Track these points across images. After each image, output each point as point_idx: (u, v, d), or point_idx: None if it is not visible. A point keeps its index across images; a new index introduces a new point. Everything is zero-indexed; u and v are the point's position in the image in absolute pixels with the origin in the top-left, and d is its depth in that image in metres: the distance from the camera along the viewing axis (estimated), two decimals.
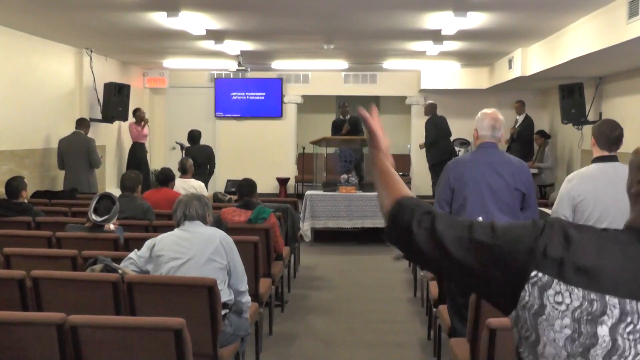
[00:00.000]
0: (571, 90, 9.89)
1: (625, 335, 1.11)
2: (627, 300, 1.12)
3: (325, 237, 9.60)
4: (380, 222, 9.55)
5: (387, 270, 8.13)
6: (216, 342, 3.62)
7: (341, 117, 11.65)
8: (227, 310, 3.86)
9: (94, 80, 10.24)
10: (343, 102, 11.86)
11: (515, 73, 9.90)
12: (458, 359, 3.68)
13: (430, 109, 11.13)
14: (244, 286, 4.00)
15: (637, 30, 5.75)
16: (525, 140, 11.26)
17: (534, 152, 11.17)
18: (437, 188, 4.24)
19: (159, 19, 7.39)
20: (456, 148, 11.55)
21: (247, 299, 4.05)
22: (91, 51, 10.14)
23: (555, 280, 1.16)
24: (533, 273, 1.18)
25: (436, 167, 10.92)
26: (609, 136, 3.74)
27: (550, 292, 1.16)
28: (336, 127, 11.56)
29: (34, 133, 8.97)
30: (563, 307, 1.15)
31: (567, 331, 1.14)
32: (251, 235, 5.08)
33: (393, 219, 1.42)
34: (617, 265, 1.15)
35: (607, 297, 1.12)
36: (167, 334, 2.93)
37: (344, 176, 9.74)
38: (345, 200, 9.39)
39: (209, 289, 3.54)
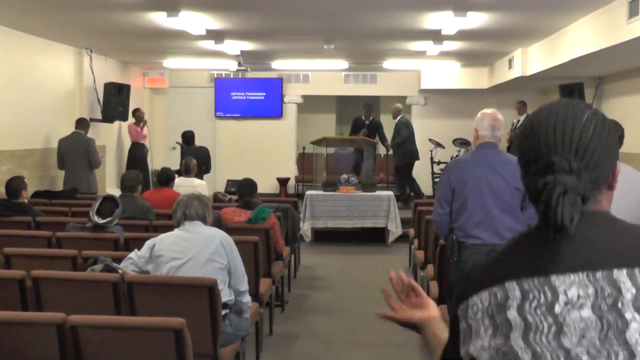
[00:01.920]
0: (571, 90, 9.89)
1: (532, 312, 1.14)
2: (524, 279, 1.15)
3: (325, 237, 9.61)
4: (380, 222, 9.63)
5: (387, 270, 8.07)
6: (216, 342, 3.62)
7: (363, 117, 11.51)
8: (228, 310, 3.86)
9: (94, 80, 10.24)
10: (368, 103, 11.70)
11: (515, 73, 9.90)
12: None
13: (398, 112, 11.32)
14: (244, 286, 4.00)
15: (637, 30, 5.75)
16: None
17: None
18: (437, 188, 4.24)
19: (159, 19, 7.39)
20: (456, 148, 11.56)
21: (247, 299, 4.05)
22: (91, 51, 10.14)
23: (468, 299, 1.22)
24: (458, 312, 1.25)
25: (401, 168, 11.16)
26: None
27: (469, 310, 1.22)
28: (356, 126, 11.50)
29: (33, 133, 8.97)
30: (480, 314, 1.19)
31: (490, 331, 1.17)
32: (251, 236, 5.08)
33: None
34: (508, 253, 1.22)
35: (506, 283, 1.16)
36: (168, 334, 2.93)
37: (344, 176, 9.74)
38: (345, 200, 9.39)
39: (209, 289, 3.54)
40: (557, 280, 1.13)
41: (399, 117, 11.29)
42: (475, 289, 1.21)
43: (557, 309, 1.12)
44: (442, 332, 1.55)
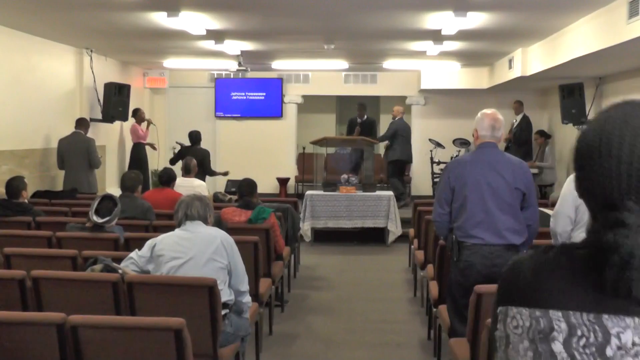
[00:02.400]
0: (571, 90, 9.89)
1: (581, 350, 1.05)
2: (571, 312, 1.06)
3: (325, 237, 9.60)
4: (380, 222, 9.63)
5: (387, 270, 8.13)
6: (216, 342, 3.62)
7: (357, 117, 11.64)
8: (228, 310, 3.87)
9: (94, 80, 10.24)
10: (360, 102, 11.85)
11: (515, 73, 9.90)
12: (458, 359, 3.69)
13: (396, 114, 11.57)
14: (244, 286, 4.00)
15: (637, 30, 5.75)
16: (523, 142, 11.26)
17: (533, 153, 11.16)
18: (437, 188, 4.25)
19: (159, 19, 7.39)
20: (456, 148, 11.56)
21: (247, 299, 4.05)
22: (91, 51, 10.14)
23: (508, 307, 1.14)
24: (497, 311, 1.17)
25: (390, 164, 11.45)
26: None
27: (508, 319, 1.14)
28: (350, 127, 11.73)
29: (33, 133, 8.97)
30: (519, 331, 1.11)
31: (530, 354, 1.09)
32: (251, 235, 5.08)
33: None
34: (557, 278, 1.10)
35: (551, 311, 1.08)
36: (167, 334, 2.93)
37: (344, 176, 9.74)
38: (345, 200, 9.39)
39: (210, 289, 3.54)
40: (610, 322, 1.04)
41: (397, 119, 11.43)
42: (516, 301, 1.13)
43: (609, 352, 1.03)
44: None
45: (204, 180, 9.45)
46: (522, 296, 1.12)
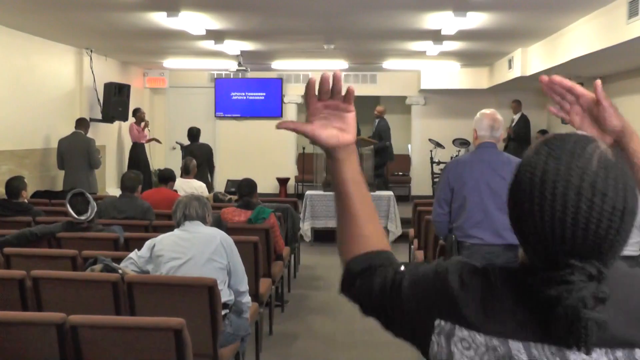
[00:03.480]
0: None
1: None
2: (532, 343, 1.03)
3: (325, 237, 9.59)
4: (380, 222, 9.55)
5: None
6: (216, 342, 3.62)
7: None
8: (227, 310, 3.87)
9: (94, 80, 10.24)
10: None
11: (515, 73, 9.90)
12: None
13: (382, 112, 11.69)
14: (244, 286, 4.00)
15: (637, 30, 5.75)
16: (522, 140, 11.30)
17: None
18: (437, 188, 4.26)
19: (159, 19, 7.39)
20: (456, 148, 11.57)
21: (247, 299, 4.06)
22: (91, 51, 10.14)
23: (457, 327, 1.08)
24: (436, 322, 1.12)
25: (379, 168, 11.46)
26: None
27: (456, 338, 1.08)
28: None
29: (33, 133, 8.97)
30: (471, 353, 1.06)
31: None
32: (251, 235, 5.08)
33: (351, 278, 1.39)
34: (513, 306, 1.06)
35: (510, 342, 1.04)
36: (167, 334, 2.93)
37: None
38: None
39: (209, 289, 3.54)
40: (573, 355, 1.01)
41: (381, 119, 11.67)
42: (466, 324, 1.08)
43: None
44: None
45: (211, 176, 9.58)
46: (473, 322, 1.07)
